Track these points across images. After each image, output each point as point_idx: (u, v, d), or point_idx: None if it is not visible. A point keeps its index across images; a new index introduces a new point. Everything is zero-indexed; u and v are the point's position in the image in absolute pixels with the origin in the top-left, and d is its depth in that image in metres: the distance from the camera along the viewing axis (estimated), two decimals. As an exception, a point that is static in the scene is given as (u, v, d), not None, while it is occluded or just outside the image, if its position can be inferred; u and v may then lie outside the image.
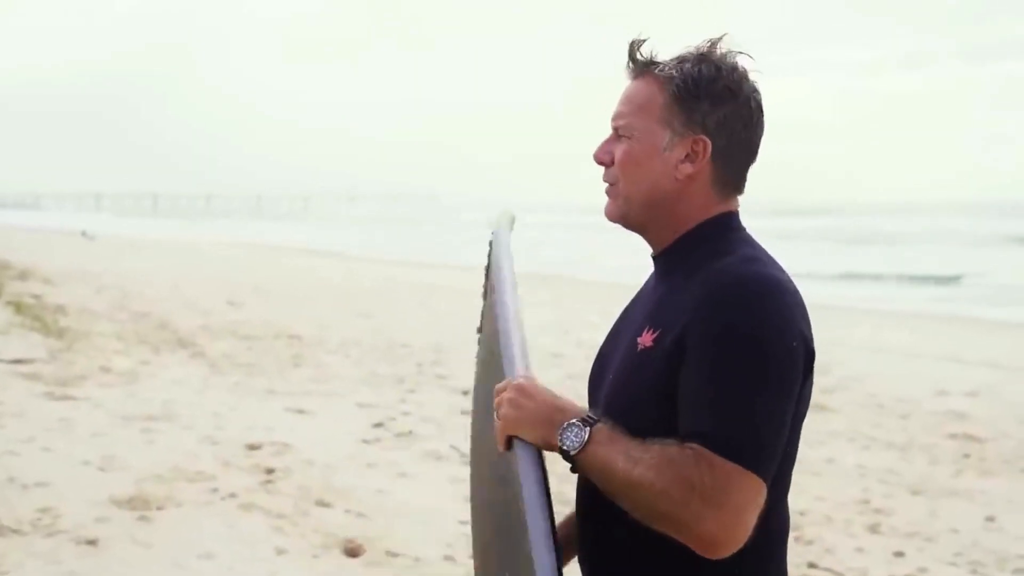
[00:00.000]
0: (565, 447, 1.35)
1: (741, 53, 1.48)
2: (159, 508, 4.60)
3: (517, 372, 1.46)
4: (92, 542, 4.11)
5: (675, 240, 1.49)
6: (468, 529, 1.80)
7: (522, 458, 1.36)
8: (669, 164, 1.46)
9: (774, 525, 1.44)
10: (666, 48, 1.53)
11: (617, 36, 1.57)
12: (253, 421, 6.40)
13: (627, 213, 1.51)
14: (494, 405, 1.43)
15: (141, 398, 6.90)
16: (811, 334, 1.41)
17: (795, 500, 5.42)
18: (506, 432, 1.40)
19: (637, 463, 1.30)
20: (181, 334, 9.96)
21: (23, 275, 14.98)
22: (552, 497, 1.34)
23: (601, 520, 1.45)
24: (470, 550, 1.74)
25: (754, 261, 1.41)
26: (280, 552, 4.20)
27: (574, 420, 1.36)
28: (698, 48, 1.48)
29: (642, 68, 1.49)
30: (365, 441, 6.15)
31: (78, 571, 3.83)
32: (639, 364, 1.42)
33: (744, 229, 1.50)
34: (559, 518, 1.66)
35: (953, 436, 6.87)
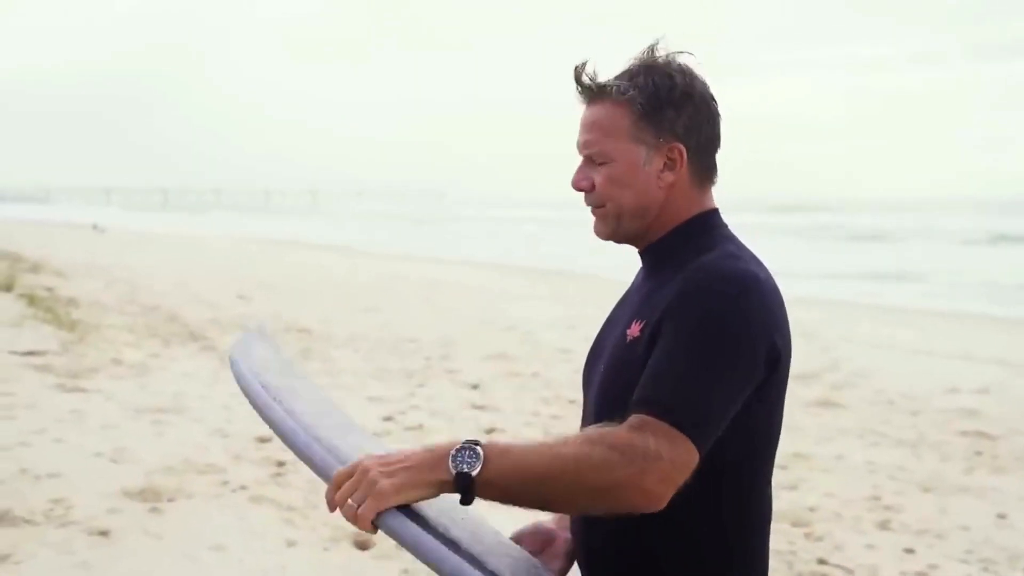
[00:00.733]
0: (465, 469, 1.31)
1: (681, 53, 1.53)
2: (170, 500, 4.62)
3: (348, 459, 1.37)
4: (104, 533, 4.13)
5: (661, 237, 1.57)
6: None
7: (398, 524, 1.29)
8: (651, 177, 1.53)
9: (759, 508, 1.51)
10: (612, 63, 1.61)
11: (619, 35, 1.57)
12: (263, 414, 6.40)
13: (617, 230, 1.57)
14: (335, 499, 1.33)
15: (152, 390, 6.93)
16: (785, 331, 1.47)
17: (804, 497, 5.47)
18: (379, 508, 1.29)
19: (557, 450, 1.33)
20: (191, 327, 9.99)
21: (35, 268, 15.05)
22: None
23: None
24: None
25: (733, 258, 1.47)
26: (290, 544, 4.21)
27: (459, 446, 1.33)
28: (641, 59, 1.53)
29: (598, 94, 1.53)
30: (375, 434, 6.14)
31: (90, 561, 3.85)
32: (628, 355, 1.49)
33: (726, 226, 1.58)
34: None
35: (964, 433, 6.85)
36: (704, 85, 1.54)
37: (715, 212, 1.58)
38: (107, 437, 5.59)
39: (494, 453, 1.32)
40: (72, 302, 11.04)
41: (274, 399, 1.51)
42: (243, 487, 4.88)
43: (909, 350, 10.78)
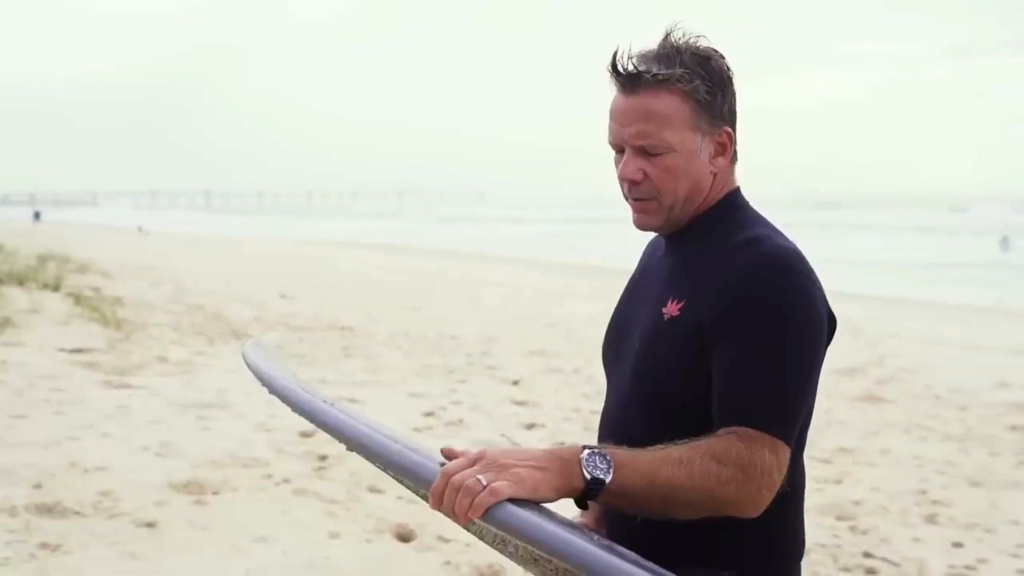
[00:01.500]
0: (599, 475, 1.28)
1: (700, 36, 1.51)
2: (215, 493, 4.67)
3: (463, 452, 1.31)
4: (151, 524, 4.19)
5: (694, 218, 1.56)
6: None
7: (512, 511, 1.20)
8: (705, 163, 1.52)
9: (795, 478, 1.52)
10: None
11: (644, 31, 1.55)
12: (306, 410, 6.46)
13: (668, 220, 1.55)
14: (457, 480, 1.23)
15: (196, 387, 7.02)
16: (826, 298, 1.49)
17: (850, 490, 5.39)
18: (511, 495, 1.22)
19: (685, 462, 1.33)
20: (234, 325, 10.11)
21: (83, 269, 15.33)
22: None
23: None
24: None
25: (773, 236, 1.49)
26: (333, 536, 4.24)
27: (588, 451, 1.30)
28: (675, 44, 1.50)
29: (653, 83, 1.48)
30: (416, 430, 6.18)
31: (138, 552, 3.91)
32: (666, 333, 1.49)
33: (749, 203, 1.58)
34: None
35: (1014, 428, 6.72)
36: (729, 64, 1.55)
37: (739, 190, 1.59)
38: (153, 432, 5.68)
39: (621, 461, 1.31)
40: (118, 301, 11.23)
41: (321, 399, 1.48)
42: (286, 480, 4.92)
43: (957, 345, 10.60)
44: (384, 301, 13.32)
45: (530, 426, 6.43)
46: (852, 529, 4.61)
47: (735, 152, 1.57)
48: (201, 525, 4.25)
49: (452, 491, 1.22)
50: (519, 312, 12.60)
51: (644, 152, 1.50)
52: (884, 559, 4.24)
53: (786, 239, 1.50)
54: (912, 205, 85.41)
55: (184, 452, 5.30)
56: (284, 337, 9.55)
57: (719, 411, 1.41)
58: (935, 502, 5.08)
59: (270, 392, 1.59)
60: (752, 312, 1.41)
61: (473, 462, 1.25)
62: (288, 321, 10.72)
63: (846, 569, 4.13)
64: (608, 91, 1.54)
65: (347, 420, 1.40)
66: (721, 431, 1.38)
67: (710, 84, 1.49)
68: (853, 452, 5.99)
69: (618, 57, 1.49)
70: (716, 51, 1.52)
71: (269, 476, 4.99)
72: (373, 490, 4.81)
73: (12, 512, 4.19)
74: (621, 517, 1.55)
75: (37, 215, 45.98)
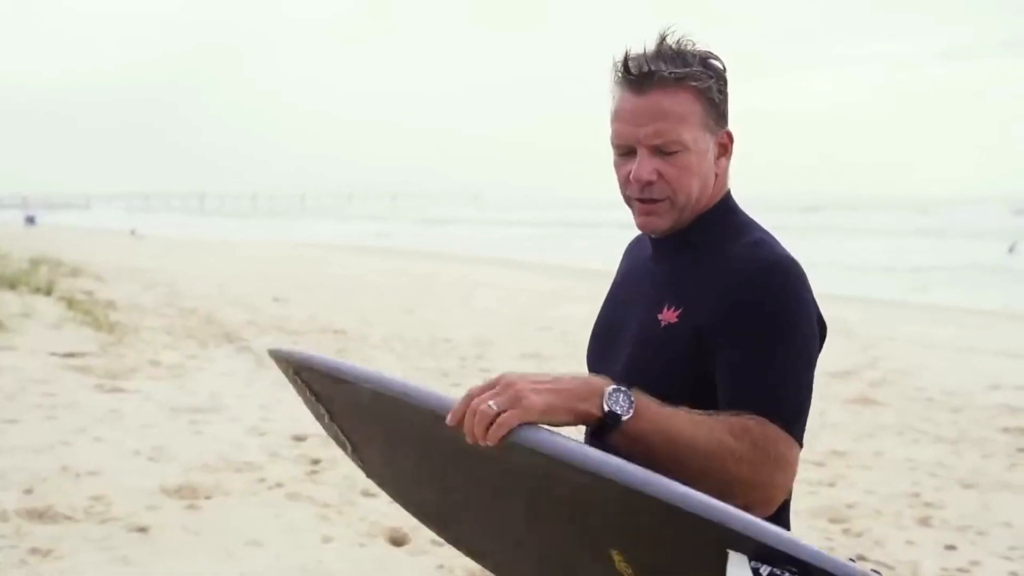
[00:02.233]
0: (617, 410, 1.28)
1: (689, 38, 1.51)
2: (207, 497, 4.66)
3: (488, 378, 1.33)
4: (143, 529, 4.18)
5: (692, 221, 1.55)
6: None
7: (540, 435, 1.22)
8: (711, 164, 1.53)
9: None
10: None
11: (642, 33, 1.54)
12: (299, 413, 6.43)
13: (677, 221, 1.54)
14: (471, 404, 1.27)
15: (189, 390, 7.00)
16: (817, 304, 1.52)
17: (843, 493, 5.39)
18: (522, 419, 1.24)
19: (704, 427, 1.33)
20: (228, 329, 10.08)
21: (75, 272, 15.29)
22: None
23: None
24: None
25: (769, 243, 1.50)
26: (326, 540, 4.23)
27: (613, 387, 1.30)
28: (679, 45, 1.49)
29: (670, 81, 1.46)
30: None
31: (130, 557, 3.89)
32: (664, 340, 1.49)
33: (739, 207, 1.59)
34: None
35: (1006, 430, 6.73)
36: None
37: (731, 192, 1.59)
38: (146, 436, 5.66)
39: (644, 406, 1.31)
40: (111, 305, 11.20)
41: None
42: (279, 484, 4.91)
43: (950, 348, 10.62)
44: (378, 304, 13.31)
45: (524, 429, 6.42)
46: (846, 532, 4.62)
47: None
48: (194, 530, 4.24)
49: (470, 415, 1.25)
50: (513, 314, 12.59)
51: (658, 151, 1.48)
52: (878, 562, 4.24)
53: (782, 246, 1.51)
54: (911, 206, 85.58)
55: (176, 456, 5.28)
56: (278, 341, 9.54)
57: (731, 402, 1.40)
58: (928, 504, 5.09)
59: (308, 370, 1.56)
60: (755, 316, 1.42)
61: (492, 386, 1.27)
62: (282, 324, 10.70)
63: (839, 572, 4.13)
64: (605, 93, 1.54)
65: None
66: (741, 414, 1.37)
67: (719, 83, 1.50)
68: (846, 455, 5.99)
69: (627, 57, 1.49)
70: (712, 52, 1.52)
71: (262, 480, 4.98)
72: (366, 494, 4.79)
73: (3, 517, 4.17)
74: None
75: (31, 219, 45.55)
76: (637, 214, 1.54)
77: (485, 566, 1.66)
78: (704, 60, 1.49)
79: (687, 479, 1.31)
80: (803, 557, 1.10)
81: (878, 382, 8.37)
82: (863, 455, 6.03)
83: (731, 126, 1.56)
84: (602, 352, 1.64)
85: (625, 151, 1.52)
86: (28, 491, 4.53)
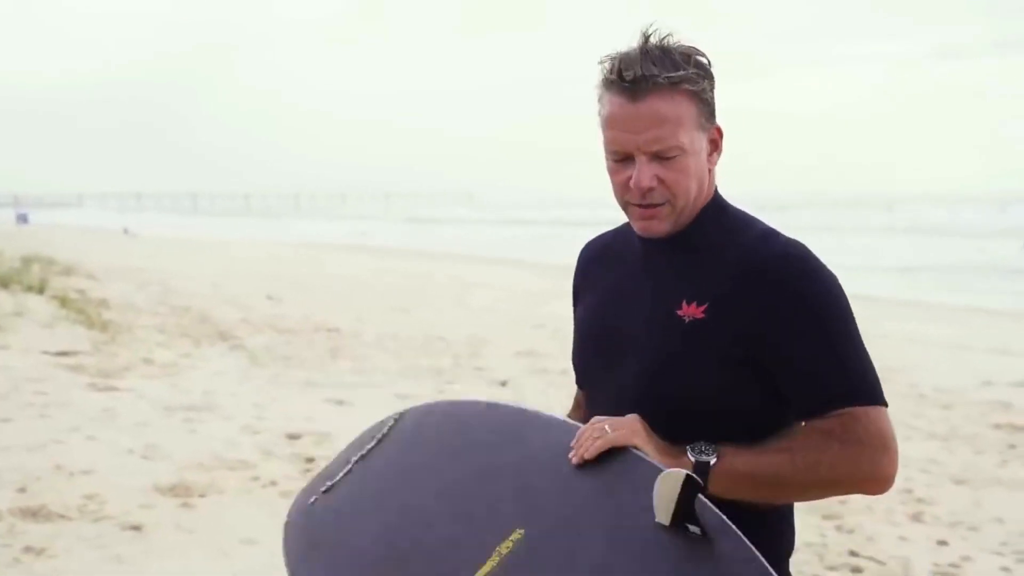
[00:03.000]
0: (704, 459, 1.41)
1: (670, 35, 1.49)
2: (201, 495, 4.66)
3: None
4: (137, 528, 4.18)
5: (692, 219, 1.55)
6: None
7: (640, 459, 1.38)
8: (705, 161, 1.52)
9: None
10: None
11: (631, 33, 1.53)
12: (293, 411, 6.46)
13: (677, 223, 1.54)
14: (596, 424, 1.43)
15: (182, 389, 7.00)
16: None
17: (836, 488, 5.19)
18: (628, 442, 1.40)
19: (791, 451, 1.41)
20: (221, 327, 10.08)
21: (68, 271, 15.26)
22: None
23: None
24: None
25: (775, 233, 1.53)
26: (320, 538, 4.23)
27: (689, 445, 1.43)
28: (664, 43, 1.48)
29: (665, 86, 1.45)
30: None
31: (123, 555, 3.89)
32: (692, 335, 1.47)
33: (724, 198, 1.61)
34: None
35: (998, 426, 6.76)
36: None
37: (717, 189, 1.60)
38: (139, 434, 5.66)
39: (726, 449, 1.42)
40: (103, 304, 11.18)
41: None
42: (273, 482, 4.91)
43: (943, 345, 10.65)
44: (372, 303, 13.30)
45: (517, 427, 6.42)
46: (838, 528, 4.63)
47: None
48: (187, 528, 4.24)
49: (588, 433, 1.42)
50: (507, 313, 12.60)
51: (657, 157, 1.47)
52: (870, 558, 4.26)
53: (782, 232, 1.55)
54: (910, 205, 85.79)
55: (170, 455, 5.28)
56: (271, 339, 9.53)
57: (811, 405, 1.45)
58: (920, 500, 5.11)
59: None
60: (802, 313, 1.45)
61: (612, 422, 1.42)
62: (276, 323, 10.70)
63: (832, 568, 4.15)
64: (593, 96, 1.51)
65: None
66: (827, 415, 1.43)
67: (710, 84, 1.50)
68: (839, 451, 6.01)
69: (619, 64, 1.46)
70: (696, 48, 1.50)
71: (256, 478, 4.98)
72: (360, 492, 4.80)
73: (-4, 516, 4.17)
74: None
75: (22, 218, 45.36)
76: (637, 219, 1.53)
77: None
78: (694, 60, 1.48)
79: (793, 499, 1.50)
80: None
81: (871, 379, 8.39)
82: (856, 452, 6.04)
83: (729, 126, 1.56)
84: (603, 358, 1.59)
85: (622, 157, 1.50)
86: (21, 490, 4.53)
